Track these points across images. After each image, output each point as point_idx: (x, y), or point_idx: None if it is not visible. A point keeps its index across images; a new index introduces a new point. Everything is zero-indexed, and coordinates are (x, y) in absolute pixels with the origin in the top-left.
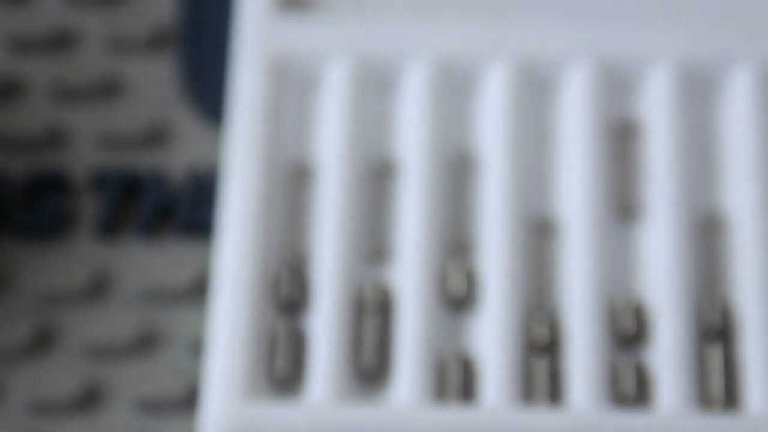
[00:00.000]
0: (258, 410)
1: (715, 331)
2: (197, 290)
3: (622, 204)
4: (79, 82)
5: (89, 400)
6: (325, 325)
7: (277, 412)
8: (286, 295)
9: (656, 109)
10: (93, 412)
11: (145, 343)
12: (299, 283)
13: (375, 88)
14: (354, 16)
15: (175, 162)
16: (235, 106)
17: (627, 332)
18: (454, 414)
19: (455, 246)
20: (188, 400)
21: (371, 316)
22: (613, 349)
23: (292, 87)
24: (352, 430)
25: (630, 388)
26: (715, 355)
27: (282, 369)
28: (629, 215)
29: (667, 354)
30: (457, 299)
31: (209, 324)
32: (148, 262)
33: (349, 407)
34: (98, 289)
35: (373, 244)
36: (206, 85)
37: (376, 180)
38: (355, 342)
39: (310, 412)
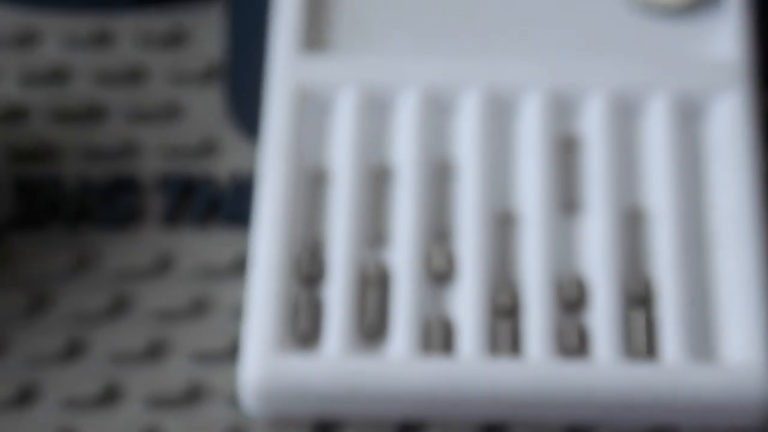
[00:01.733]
0: (284, 361)
1: (639, 299)
2: (238, 268)
3: (567, 201)
4: (147, 106)
5: (155, 353)
6: (336, 295)
7: (299, 362)
8: (306, 271)
9: (593, 128)
10: (158, 363)
11: (198, 309)
12: (317, 262)
13: (376, 110)
14: (360, 54)
15: (221, 169)
16: (268, 125)
17: (571, 300)
18: (437, 364)
19: (438, 233)
20: (232, 353)
21: (372, 288)
22: (560, 313)
23: (311, 110)
24: (357, 376)
25: (573, 343)
26: (639, 317)
27: (303, 329)
28: (572, 209)
29: (602, 317)
30: (439, 275)
31: (247, 294)
32: (200, 245)
33: (355, 358)
34: (161, 267)
35: (374, 232)
36: (246, 108)
37: (376, 182)
38: (360, 308)
39: (325, 362)
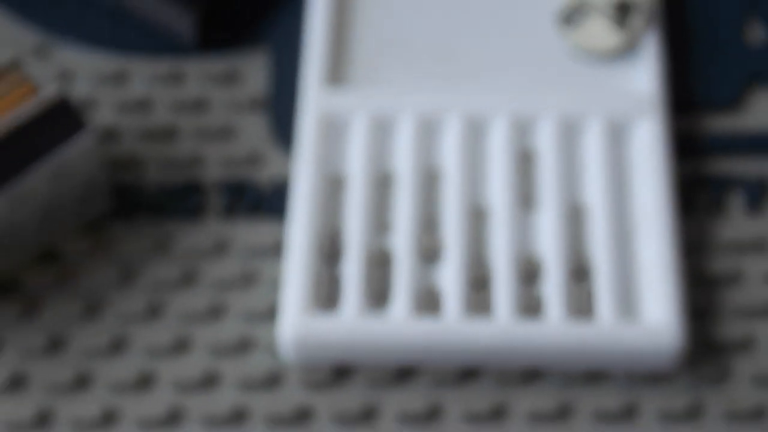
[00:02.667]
0: (312, 320)
1: (581, 273)
2: (277, 250)
3: (525, 199)
4: (210, 128)
5: (216, 313)
6: (351, 271)
7: (323, 321)
8: (328, 252)
9: (545, 144)
10: (217, 321)
11: (247, 280)
12: (336, 245)
13: (381, 131)
14: (370, 88)
15: (265, 175)
16: (300, 142)
17: (529, 275)
18: (428, 323)
19: (427, 224)
20: (272, 314)
21: (378, 265)
22: (521, 285)
23: (333, 131)
24: (367, 332)
25: (532, 307)
26: (581, 287)
27: (326, 296)
28: (530, 206)
29: (553, 287)
30: (429, 255)
31: (284, 269)
32: (248, 233)
33: (365, 319)
34: (220, 248)
35: (379, 223)
36: (284, 129)
37: (381, 185)
38: (369, 281)
39: (342, 322)
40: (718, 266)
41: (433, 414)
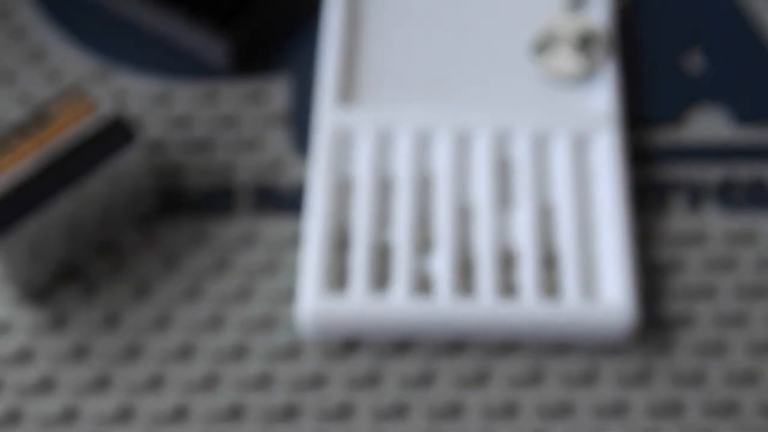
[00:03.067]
0: (325, 301)
1: (550, 261)
2: (296, 242)
3: (504, 199)
4: (241, 140)
5: (245, 295)
6: (358, 259)
7: (335, 302)
8: (339, 244)
9: (520, 154)
10: (246, 302)
11: (271, 267)
12: (345, 238)
13: (383, 142)
14: (374, 106)
15: (286, 178)
16: (315, 151)
17: (507, 262)
18: (423, 303)
19: (422, 220)
20: (292, 296)
21: (381, 255)
22: (500, 271)
23: (342, 142)
24: (372, 311)
25: (510, 289)
26: (550, 273)
27: (337, 280)
28: (507, 205)
29: (527, 272)
30: (424, 246)
31: (302, 258)
32: (272, 227)
33: (370, 300)
34: (249, 240)
35: (381, 219)
36: (302, 141)
37: (383, 188)
38: (373, 267)
39: (351, 303)
40: (664, 255)
41: (427, 379)
